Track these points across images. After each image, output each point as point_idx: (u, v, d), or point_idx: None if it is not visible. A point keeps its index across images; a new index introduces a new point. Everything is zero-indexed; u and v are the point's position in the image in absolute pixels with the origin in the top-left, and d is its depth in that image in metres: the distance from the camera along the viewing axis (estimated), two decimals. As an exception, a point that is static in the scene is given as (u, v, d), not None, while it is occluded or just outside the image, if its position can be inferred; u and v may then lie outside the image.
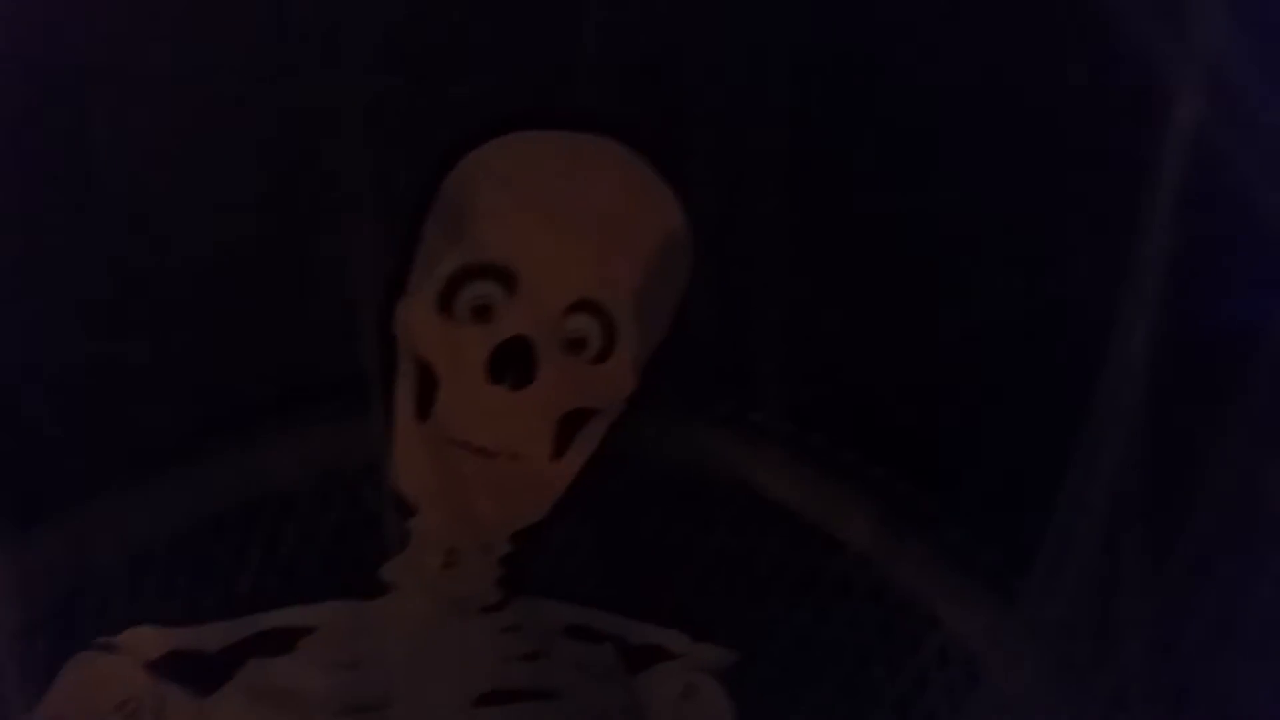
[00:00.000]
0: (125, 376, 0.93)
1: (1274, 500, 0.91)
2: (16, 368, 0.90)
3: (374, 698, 0.88)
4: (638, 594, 0.94)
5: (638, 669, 0.93)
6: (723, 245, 0.93)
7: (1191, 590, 0.90)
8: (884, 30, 0.92)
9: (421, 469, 0.91)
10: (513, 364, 0.90)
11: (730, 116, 0.92)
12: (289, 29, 0.92)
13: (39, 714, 0.87)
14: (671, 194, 0.91)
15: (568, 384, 0.91)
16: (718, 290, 0.93)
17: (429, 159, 0.91)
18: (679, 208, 0.91)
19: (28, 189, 0.90)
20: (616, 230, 0.92)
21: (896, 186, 0.95)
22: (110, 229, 0.93)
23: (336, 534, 0.93)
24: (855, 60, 0.93)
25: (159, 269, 0.93)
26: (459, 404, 0.91)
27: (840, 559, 0.98)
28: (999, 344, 0.95)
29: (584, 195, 0.91)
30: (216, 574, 0.92)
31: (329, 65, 0.91)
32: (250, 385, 0.94)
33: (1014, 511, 0.92)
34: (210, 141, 0.93)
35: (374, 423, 0.91)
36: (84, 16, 0.91)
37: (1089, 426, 0.88)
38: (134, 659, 0.89)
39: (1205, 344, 0.89)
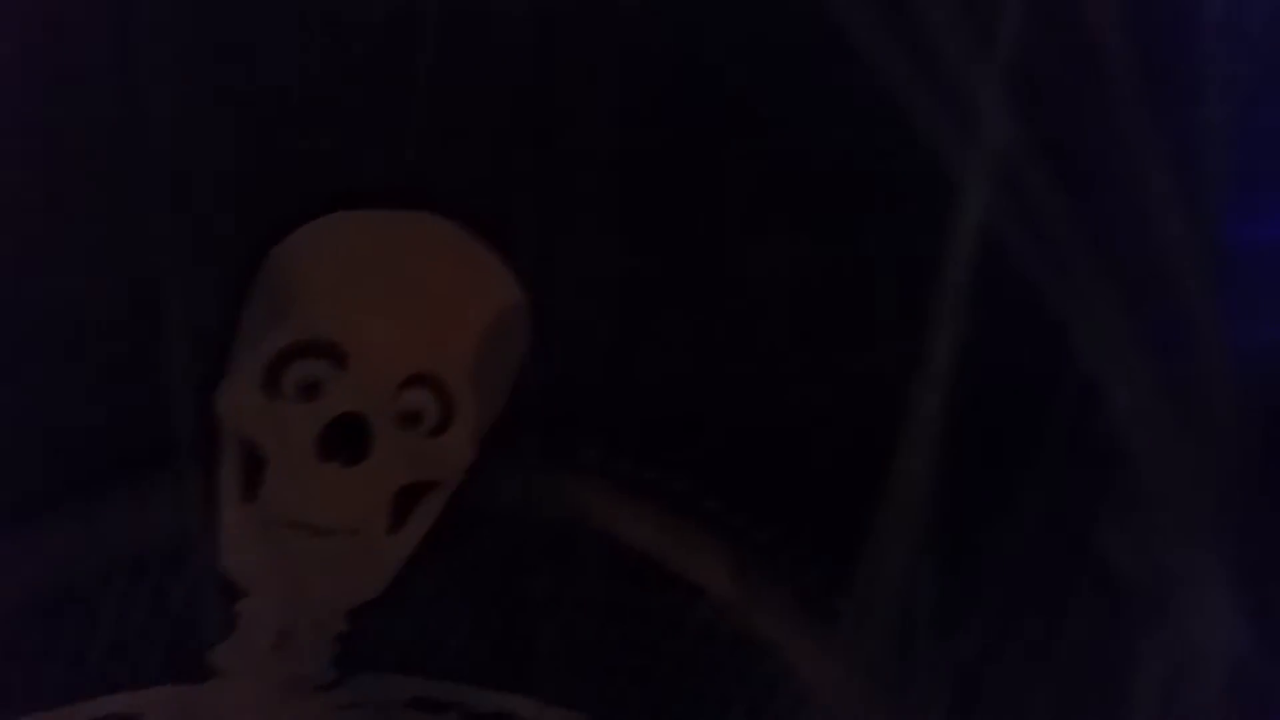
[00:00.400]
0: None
1: (1080, 558, 0.92)
2: None
3: (205, 785, 0.85)
4: (493, 658, 0.92)
5: (485, 738, 0.92)
6: (574, 295, 0.90)
7: (994, 645, 0.91)
8: (705, 98, 0.91)
9: (250, 550, 0.88)
10: (344, 441, 0.87)
11: (564, 182, 0.88)
12: (115, 90, 0.86)
13: None
14: (504, 267, 0.89)
15: (403, 458, 0.89)
16: (573, 340, 0.91)
17: (250, 236, 0.87)
18: (513, 280, 0.89)
19: None
20: (449, 305, 0.89)
21: (732, 244, 0.93)
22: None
23: (163, 617, 0.90)
24: (680, 130, 0.91)
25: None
26: (288, 483, 0.88)
27: (702, 607, 0.96)
28: (825, 404, 0.94)
29: (414, 272, 0.88)
30: (37, 658, 0.89)
31: (155, 127, 0.85)
32: (71, 459, 0.89)
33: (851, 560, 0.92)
34: (34, 197, 0.88)
35: (196, 505, 0.88)
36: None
37: (892, 485, 0.90)
38: (-51, 757, 0.87)
39: (996, 422, 0.91)
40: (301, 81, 0.88)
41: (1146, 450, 0.90)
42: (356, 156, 0.88)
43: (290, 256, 0.87)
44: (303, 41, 0.88)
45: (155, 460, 0.88)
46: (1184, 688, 0.91)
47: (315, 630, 0.89)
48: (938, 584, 0.90)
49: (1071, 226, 0.88)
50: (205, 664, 0.88)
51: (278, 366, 0.87)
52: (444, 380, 0.88)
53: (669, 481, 0.95)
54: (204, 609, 0.88)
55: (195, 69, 0.87)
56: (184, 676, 0.88)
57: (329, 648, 0.89)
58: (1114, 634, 0.92)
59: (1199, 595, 0.92)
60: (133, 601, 0.89)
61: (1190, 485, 0.91)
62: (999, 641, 0.91)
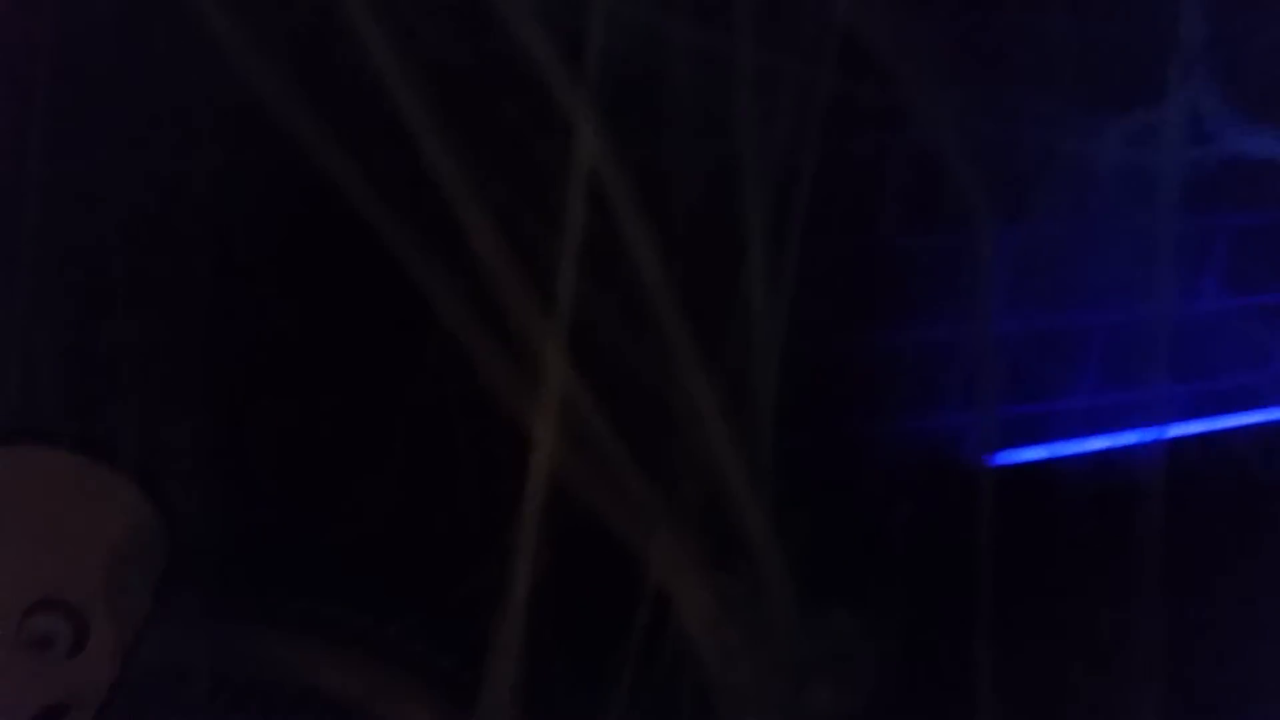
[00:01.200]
0: None
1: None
2: None
3: None
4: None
5: None
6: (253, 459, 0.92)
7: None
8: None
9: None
10: (-30, 671, 0.80)
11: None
12: None
13: None
14: (128, 484, 0.83)
15: (37, 684, 0.82)
16: (275, 499, 0.92)
17: None
18: (138, 495, 0.83)
19: None
20: (68, 530, 0.82)
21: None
22: None
23: None
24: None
25: None
26: (-92, 721, 0.81)
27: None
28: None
29: (27, 503, 0.81)
30: None
31: None
32: None
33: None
34: None
35: None
36: None
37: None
38: None
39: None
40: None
41: (714, 657, 0.96)
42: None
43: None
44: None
45: None
46: None
47: None
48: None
49: (633, 460, 0.94)
50: None
51: None
52: (73, 603, 0.82)
53: (377, 628, 0.94)
54: None
55: None
56: None
57: None
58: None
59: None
60: None
61: (757, 688, 0.96)
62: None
